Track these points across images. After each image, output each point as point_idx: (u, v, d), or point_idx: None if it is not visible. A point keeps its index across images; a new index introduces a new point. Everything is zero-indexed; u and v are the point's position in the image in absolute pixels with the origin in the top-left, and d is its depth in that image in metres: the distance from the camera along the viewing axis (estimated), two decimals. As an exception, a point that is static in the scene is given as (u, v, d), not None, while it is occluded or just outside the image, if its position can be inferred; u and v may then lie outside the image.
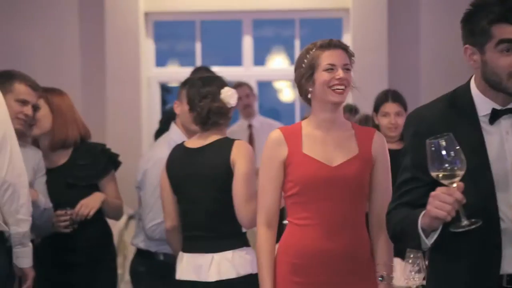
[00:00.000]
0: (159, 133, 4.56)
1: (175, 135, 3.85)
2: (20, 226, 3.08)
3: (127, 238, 5.49)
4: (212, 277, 3.17)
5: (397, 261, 3.60)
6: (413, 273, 3.23)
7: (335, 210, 2.77)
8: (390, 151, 4.02)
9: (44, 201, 3.58)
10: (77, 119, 3.83)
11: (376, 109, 4.25)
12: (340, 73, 2.77)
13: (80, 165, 3.74)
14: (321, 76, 2.76)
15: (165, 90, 7.67)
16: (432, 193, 2.10)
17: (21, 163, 3.07)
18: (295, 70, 2.84)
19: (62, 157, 3.78)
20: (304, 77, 2.79)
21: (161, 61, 7.14)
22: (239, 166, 3.15)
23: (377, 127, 4.22)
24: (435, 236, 2.17)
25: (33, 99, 3.58)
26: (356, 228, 2.81)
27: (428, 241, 2.17)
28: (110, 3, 6.60)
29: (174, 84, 7.54)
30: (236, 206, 3.14)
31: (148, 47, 6.89)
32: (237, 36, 7.00)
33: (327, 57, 2.78)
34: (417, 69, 6.67)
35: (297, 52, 6.98)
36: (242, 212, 3.13)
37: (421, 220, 2.15)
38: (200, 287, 3.19)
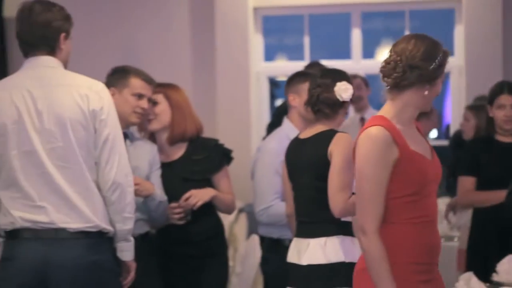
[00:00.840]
0: (270, 126, 4.62)
1: (287, 129, 3.91)
2: (125, 224, 3.15)
3: (237, 231, 5.56)
4: (304, 261, 3.25)
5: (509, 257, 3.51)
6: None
7: (435, 204, 2.76)
8: (505, 144, 3.91)
9: (160, 194, 3.67)
10: (193, 113, 3.91)
11: (491, 101, 4.13)
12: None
13: (195, 159, 3.81)
14: (439, 85, 2.70)
15: (274, 84, 7.72)
16: None
17: (128, 163, 3.15)
18: (421, 57, 2.63)
19: (178, 152, 3.85)
20: (432, 72, 2.64)
21: (269, 55, 7.18)
22: (335, 158, 3.24)
23: (491, 120, 4.10)
24: None
25: (148, 93, 3.68)
26: None
27: None
28: (219, -1, 6.70)
29: (282, 78, 7.58)
30: (329, 195, 3.22)
31: (257, 42, 6.94)
32: (345, 29, 6.95)
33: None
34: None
35: (407, 44, 6.86)
36: (333, 201, 3.21)
37: None
38: (296, 269, 3.32)
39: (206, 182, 3.82)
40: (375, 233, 2.61)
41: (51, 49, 3.12)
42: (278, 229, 3.88)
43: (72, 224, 3.02)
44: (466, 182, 4.16)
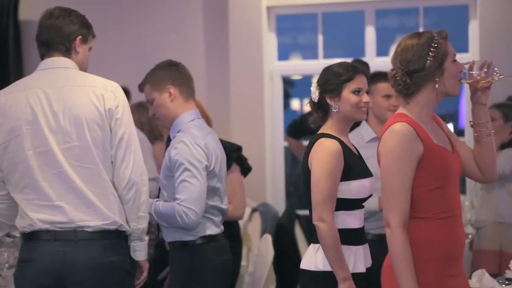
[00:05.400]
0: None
1: (363, 129, 4.08)
2: (140, 222, 3.16)
3: (250, 230, 5.56)
4: (302, 265, 3.17)
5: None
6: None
7: (459, 197, 2.79)
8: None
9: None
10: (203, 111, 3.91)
11: None
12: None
13: None
14: (451, 67, 2.70)
15: (288, 83, 7.70)
16: None
17: (142, 162, 3.16)
18: (411, 61, 2.68)
19: None
20: (431, 68, 2.68)
21: (283, 54, 7.17)
22: (313, 167, 3.14)
23: None
24: None
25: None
26: None
27: None
28: (233, -2, 6.69)
29: (296, 77, 7.56)
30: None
31: (270, 41, 6.93)
32: (359, 27, 6.92)
33: (452, 48, 2.74)
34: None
35: (422, 42, 6.83)
36: (314, 212, 3.10)
37: None
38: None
39: None
40: (399, 228, 2.64)
41: (67, 50, 3.16)
42: None
43: (90, 222, 3.04)
44: None
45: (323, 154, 3.03)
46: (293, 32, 7.88)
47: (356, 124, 4.06)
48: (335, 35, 7.37)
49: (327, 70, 3.19)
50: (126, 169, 3.09)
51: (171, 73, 3.59)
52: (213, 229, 3.51)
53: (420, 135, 2.67)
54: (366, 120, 3.98)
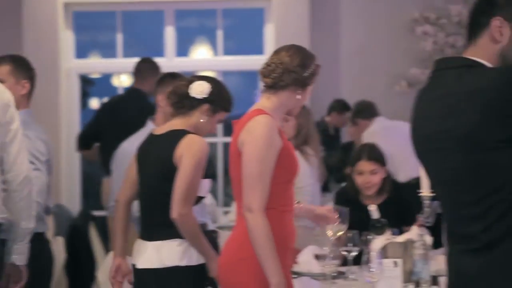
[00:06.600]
0: None
1: (149, 130, 3.91)
2: (31, 221, 3.09)
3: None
4: (140, 264, 3.16)
5: (310, 248, 3.62)
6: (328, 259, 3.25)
7: (294, 195, 2.98)
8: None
9: None
10: None
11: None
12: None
13: None
14: (309, 91, 2.96)
15: (87, 82, 7.54)
16: None
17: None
18: (300, 66, 2.88)
19: None
20: (305, 80, 2.89)
21: (82, 52, 7.01)
22: (184, 161, 3.17)
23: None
24: None
25: None
26: None
27: None
28: (27, -8, 6.45)
29: (96, 75, 7.42)
30: (173, 199, 3.15)
31: (67, 38, 6.75)
32: (159, 26, 6.91)
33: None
34: (338, 57, 6.72)
35: (220, 43, 6.96)
36: (176, 205, 3.12)
37: None
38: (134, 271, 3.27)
39: None
40: (261, 211, 2.74)
41: None
42: None
43: None
44: None
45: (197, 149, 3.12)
46: (92, 30, 7.74)
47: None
48: (135, 34, 7.31)
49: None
50: (22, 165, 3.02)
51: None
52: None
53: (279, 130, 2.84)
54: (153, 120, 3.98)
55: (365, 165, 4.05)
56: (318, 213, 3.21)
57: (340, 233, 3.23)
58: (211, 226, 3.79)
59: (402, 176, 5.26)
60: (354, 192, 4.10)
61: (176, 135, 3.16)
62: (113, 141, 4.51)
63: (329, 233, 3.22)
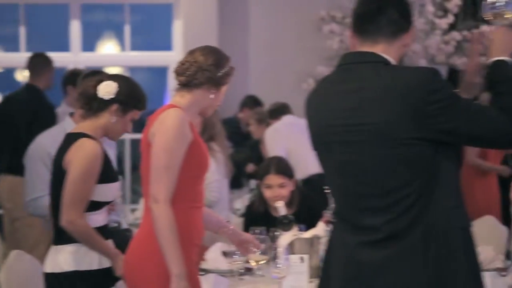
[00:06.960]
0: None
1: (67, 124, 3.76)
2: None
3: None
4: (46, 268, 3.08)
5: (217, 246, 3.63)
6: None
7: (203, 192, 2.95)
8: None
9: None
10: None
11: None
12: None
13: None
14: (223, 92, 2.96)
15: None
16: None
17: None
18: (214, 65, 2.87)
19: None
20: (219, 79, 2.88)
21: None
22: (73, 167, 3.07)
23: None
24: None
25: None
26: None
27: None
28: None
29: (-2, 70, 7.22)
30: (62, 205, 3.06)
31: (-33, 31, 6.53)
32: (64, 20, 6.77)
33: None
34: (246, 54, 6.75)
35: (127, 38, 6.87)
36: (64, 212, 3.04)
37: None
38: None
39: None
40: (167, 202, 2.73)
41: None
42: None
43: None
44: None
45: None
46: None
47: None
48: (39, 28, 7.13)
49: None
50: None
51: None
52: None
53: (190, 124, 2.83)
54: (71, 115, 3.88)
55: (273, 179, 4.03)
56: (243, 238, 3.17)
57: (262, 262, 3.21)
58: (124, 225, 3.74)
59: (300, 173, 5.29)
60: (263, 205, 4.09)
61: (69, 139, 3.08)
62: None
63: (252, 262, 3.20)
